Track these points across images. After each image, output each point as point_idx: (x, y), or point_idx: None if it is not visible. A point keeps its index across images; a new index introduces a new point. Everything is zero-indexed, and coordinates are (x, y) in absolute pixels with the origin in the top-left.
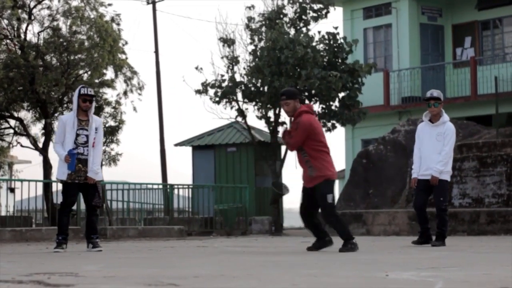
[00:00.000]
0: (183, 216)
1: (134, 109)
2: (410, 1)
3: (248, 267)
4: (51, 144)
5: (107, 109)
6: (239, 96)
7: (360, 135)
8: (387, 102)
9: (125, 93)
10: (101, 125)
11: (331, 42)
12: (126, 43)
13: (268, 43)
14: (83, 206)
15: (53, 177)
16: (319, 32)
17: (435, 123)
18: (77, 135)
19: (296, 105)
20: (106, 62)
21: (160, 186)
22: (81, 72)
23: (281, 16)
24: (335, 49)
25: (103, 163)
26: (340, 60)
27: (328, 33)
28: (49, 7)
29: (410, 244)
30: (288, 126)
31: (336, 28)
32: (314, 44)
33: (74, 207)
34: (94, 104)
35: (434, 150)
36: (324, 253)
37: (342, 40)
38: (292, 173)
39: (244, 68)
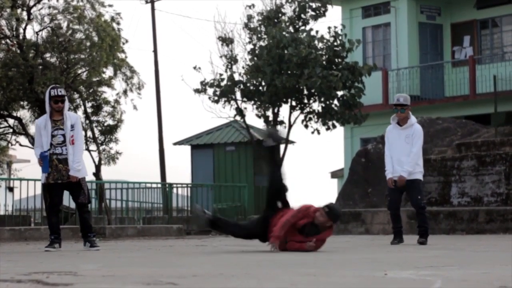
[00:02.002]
0: (182, 215)
1: (135, 107)
2: (409, 0)
3: (247, 266)
4: None
5: (106, 108)
6: (238, 95)
7: (359, 134)
8: (386, 101)
9: (124, 92)
10: (78, 121)
11: (332, 40)
12: (126, 41)
13: (270, 41)
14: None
15: None
16: (316, 32)
17: (403, 126)
18: (53, 136)
19: None
20: (104, 61)
21: (159, 185)
22: (80, 71)
23: (280, 15)
24: (336, 48)
25: (102, 162)
26: (340, 59)
27: (329, 28)
28: (49, 7)
29: (409, 243)
30: (287, 126)
31: (344, 27)
32: (315, 43)
33: (72, 207)
34: (67, 103)
35: (403, 152)
36: (323, 252)
37: (343, 39)
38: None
39: (243, 67)
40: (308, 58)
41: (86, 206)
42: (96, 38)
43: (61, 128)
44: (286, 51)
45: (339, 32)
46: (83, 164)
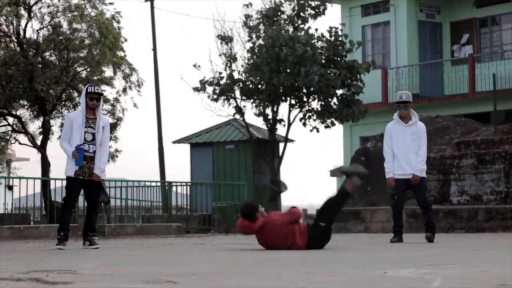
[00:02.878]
0: (181, 214)
1: (135, 105)
2: None
3: (246, 264)
4: (49, 142)
5: (105, 106)
6: (237, 93)
7: (358, 133)
8: (385, 99)
9: (124, 90)
10: (107, 124)
11: (332, 39)
12: (126, 40)
13: (268, 41)
14: (81, 203)
15: (51, 175)
16: (316, 30)
17: (408, 123)
18: (84, 132)
19: None
20: (107, 59)
21: (158, 184)
22: (80, 69)
23: (279, 13)
24: (335, 46)
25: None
26: (338, 58)
27: (330, 28)
28: (49, 6)
29: (408, 241)
30: (286, 124)
31: (343, 25)
32: (313, 41)
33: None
34: (101, 102)
35: (411, 150)
36: (322, 251)
37: (343, 38)
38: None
39: (242, 66)
40: (305, 56)
41: (97, 207)
42: (98, 36)
43: (92, 126)
44: (283, 50)
45: (339, 32)
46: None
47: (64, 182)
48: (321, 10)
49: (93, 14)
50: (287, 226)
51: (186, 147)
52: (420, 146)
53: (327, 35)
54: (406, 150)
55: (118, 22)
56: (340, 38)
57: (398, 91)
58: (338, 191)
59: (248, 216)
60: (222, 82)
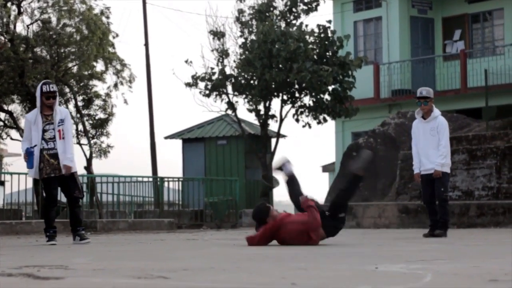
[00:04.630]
0: (173, 209)
1: (125, 101)
2: None
3: (238, 260)
4: None
5: (97, 102)
6: (229, 89)
7: (350, 128)
8: (377, 95)
9: (115, 85)
10: (68, 116)
11: (322, 35)
12: (117, 35)
13: (260, 36)
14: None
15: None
16: (306, 26)
17: (427, 119)
18: (44, 131)
19: None
20: (95, 55)
21: (150, 179)
22: (70, 65)
23: (272, 9)
24: (326, 43)
25: (94, 155)
26: (330, 54)
27: (318, 26)
28: (38, 0)
29: (400, 237)
30: (278, 120)
31: (329, 22)
32: (305, 37)
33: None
34: (58, 98)
35: (430, 146)
36: (314, 246)
37: (332, 34)
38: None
39: (234, 61)
40: (297, 52)
41: (78, 201)
42: (86, 32)
43: (52, 123)
44: (276, 46)
45: (328, 30)
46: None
47: None
48: (313, 5)
49: (82, 9)
50: (302, 231)
51: (178, 142)
52: (440, 141)
53: (316, 30)
54: (426, 146)
55: (108, 17)
56: (329, 35)
57: (390, 86)
58: (349, 178)
59: (259, 221)
60: (214, 77)
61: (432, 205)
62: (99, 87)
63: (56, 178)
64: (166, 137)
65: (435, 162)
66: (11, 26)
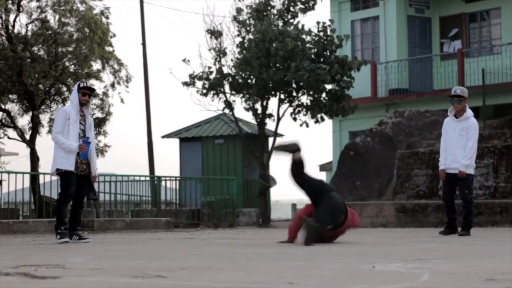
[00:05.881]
0: (170, 208)
1: (122, 100)
2: None
3: (235, 259)
4: (38, 137)
5: (95, 101)
6: (227, 88)
7: (348, 127)
8: (374, 94)
9: (112, 85)
10: (92, 124)
11: (321, 34)
12: (114, 35)
13: (257, 35)
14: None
15: (40, 169)
16: (303, 26)
17: (459, 118)
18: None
19: None
20: (96, 54)
21: (148, 178)
22: (68, 64)
23: (269, 7)
24: (325, 42)
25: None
26: (328, 53)
27: (318, 22)
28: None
29: (397, 236)
30: (275, 119)
31: (331, 21)
32: (303, 36)
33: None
34: (91, 99)
35: (458, 145)
36: (311, 245)
37: (332, 33)
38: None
39: (231, 60)
40: (295, 51)
41: (83, 202)
42: (87, 31)
43: (82, 123)
44: (273, 45)
45: (328, 28)
46: None
47: (53, 177)
48: (310, 4)
49: (82, 9)
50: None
51: (176, 141)
52: (467, 142)
53: (314, 30)
54: (453, 145)
55: (107, 17)
56: (328, 33)
57: (387, 86)
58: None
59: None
60: (211, 76)
61: (450, 204)
62: (96, 86)
63: (80, 176)
64: (163, 136)
65: (460, 162)
66: (9, 23)
